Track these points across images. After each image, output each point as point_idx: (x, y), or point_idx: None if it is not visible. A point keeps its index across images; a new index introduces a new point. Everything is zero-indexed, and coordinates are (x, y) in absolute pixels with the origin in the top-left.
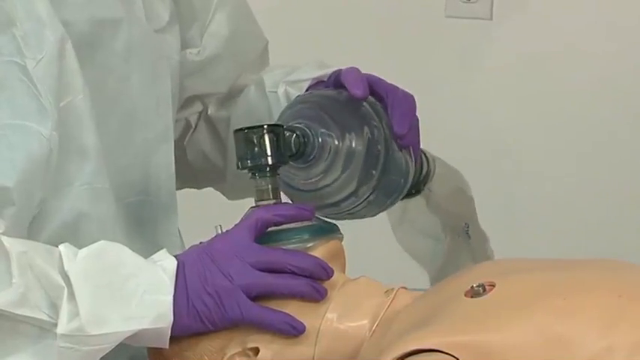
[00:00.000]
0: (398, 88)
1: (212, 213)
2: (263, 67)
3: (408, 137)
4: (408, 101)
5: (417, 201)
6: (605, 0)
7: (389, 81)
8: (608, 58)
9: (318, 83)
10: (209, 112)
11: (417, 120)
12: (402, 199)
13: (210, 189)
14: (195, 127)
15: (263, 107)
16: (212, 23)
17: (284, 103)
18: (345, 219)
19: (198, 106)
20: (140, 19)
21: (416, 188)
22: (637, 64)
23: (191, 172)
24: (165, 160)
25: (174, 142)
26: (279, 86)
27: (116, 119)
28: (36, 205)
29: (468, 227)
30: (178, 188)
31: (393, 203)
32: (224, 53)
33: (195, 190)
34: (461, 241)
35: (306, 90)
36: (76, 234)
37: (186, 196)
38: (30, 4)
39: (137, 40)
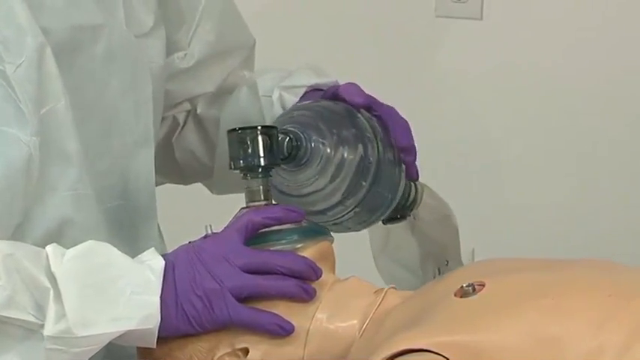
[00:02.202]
0: (393, 108)
1: (198, 212)
2: (250, 63)
3: (413, 150)
4: (405, 121)
5: (401, 230)
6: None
7: (380, 81)
8: (600, 58)
9: (313, 91)
10: (198, 111)
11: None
12: (386, 222)
13: (196, 188)
14: (184, 125)
15: (255, 110)
16: (199, 28)
17: (278, 108)
18: (332, 230)
19: (186, 106)
20: (120, 24)
21: (401, 213)
22: (628, 63)
23: (178, 169)
24: (144, 164)
25: (162, 139)
26: (274, 91)
27: (95, 124)
28: (19, 212)
29: (447, 263)
30: (162, 183)
31: (378, 219)
32: (211, 56)
33: (181, 189)
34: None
35: (301, 97)
36: (60, 240)
37: (171, 195)
38: (9, 11)
39: (117, 45)
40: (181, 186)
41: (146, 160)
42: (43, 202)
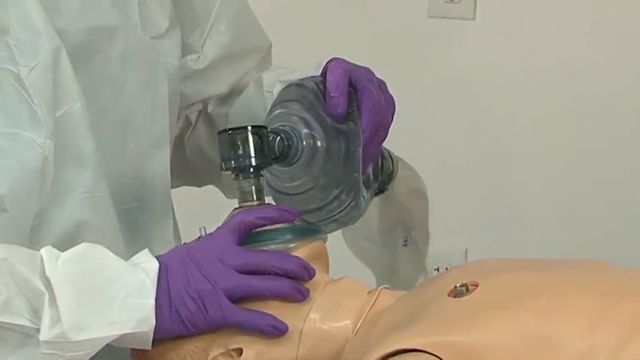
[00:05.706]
0: (374, 89)
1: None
2: (266, 65)
3: (371, 160)
4: (376, 104)
5: None
6: (587, 1)
7: None
8: (593, 58)
9: None
10: (209, 110)
11: (388, 122)
12: None
13: (210, 189)
14: (195, 124)
15: (260, 106)
16: (213, 30)
17: None
18: (331, 228)
19: (198, 106)
20: (136, 26)
21: (380, 188)
22: (622, 63)
23: (189, 169)
24: (160, 166)
25: (175, 139)
26: (275, 85)
27: (111, 125)
28: (34, 214)
29: (410, 234)
30: (178, 186)
31: (367, 207)
32: (225, 58)
33: (197, 190)
34: (403, 249)
35: None
36: (76, 242)
37: (189, 196)
38: (24, 13)
39: (133, 47)
40: (206, 188)
41: (162, 161)
42: (59, 205)
